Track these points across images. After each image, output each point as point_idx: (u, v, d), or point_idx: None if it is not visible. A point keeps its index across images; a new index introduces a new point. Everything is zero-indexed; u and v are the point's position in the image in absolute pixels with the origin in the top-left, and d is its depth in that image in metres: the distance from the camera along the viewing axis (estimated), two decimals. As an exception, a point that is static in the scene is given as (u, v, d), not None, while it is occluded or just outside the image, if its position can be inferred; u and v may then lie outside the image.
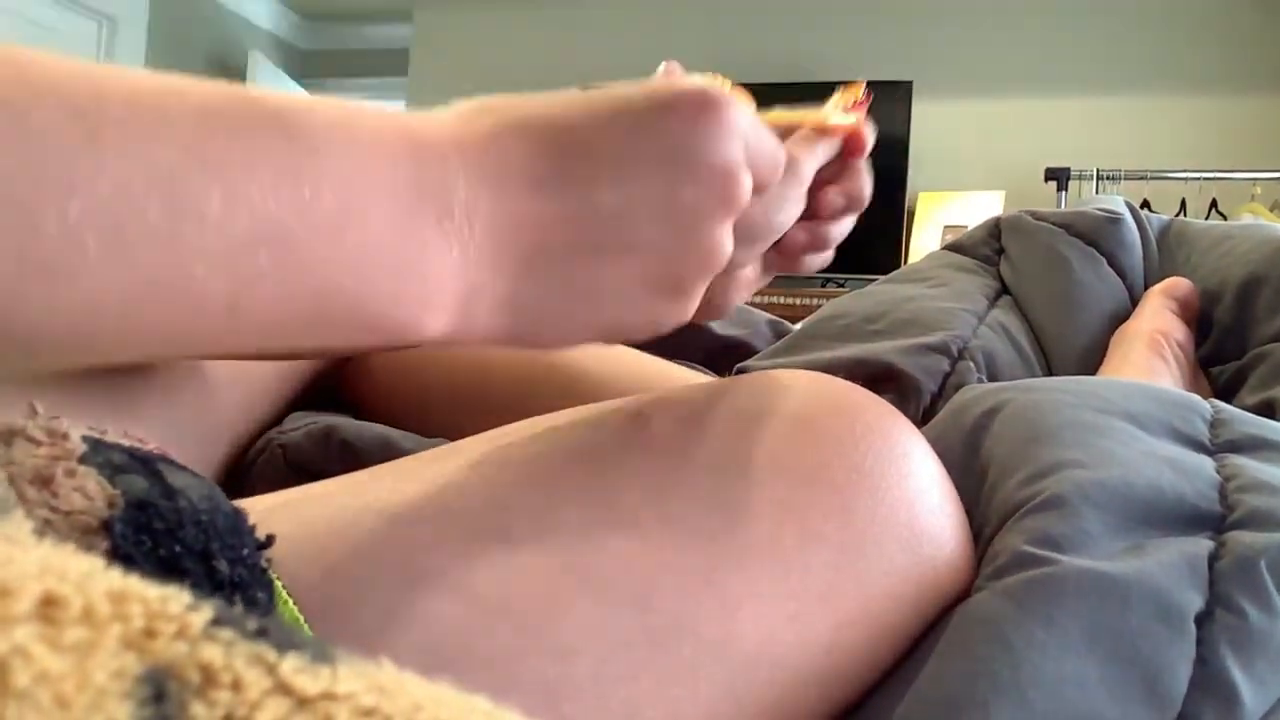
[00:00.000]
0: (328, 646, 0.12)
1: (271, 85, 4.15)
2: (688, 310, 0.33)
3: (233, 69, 4.25)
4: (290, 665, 0.11)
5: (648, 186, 0.30)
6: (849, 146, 0.43)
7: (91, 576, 0.12)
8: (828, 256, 0.45)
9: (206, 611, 0.12)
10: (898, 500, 0.35)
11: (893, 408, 0.38)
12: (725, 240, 0.32)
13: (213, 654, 0.11)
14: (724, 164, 0.30)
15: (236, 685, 0.11)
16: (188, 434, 0.48)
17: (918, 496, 0.36)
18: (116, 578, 0.12)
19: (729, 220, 0.32)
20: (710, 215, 0.31)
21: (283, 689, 0.11)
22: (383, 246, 0.24)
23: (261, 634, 0.12)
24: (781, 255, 0.43)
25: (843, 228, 0.43)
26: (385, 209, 0.24)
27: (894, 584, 0.34)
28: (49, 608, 0.11)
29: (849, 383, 0.38)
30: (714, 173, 0.30)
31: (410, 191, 0.25)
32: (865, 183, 0.43)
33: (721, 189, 0.31)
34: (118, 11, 3.72)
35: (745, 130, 0.32)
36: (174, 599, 0.12)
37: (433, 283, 0.25)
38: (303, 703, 0.11)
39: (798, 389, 0.37)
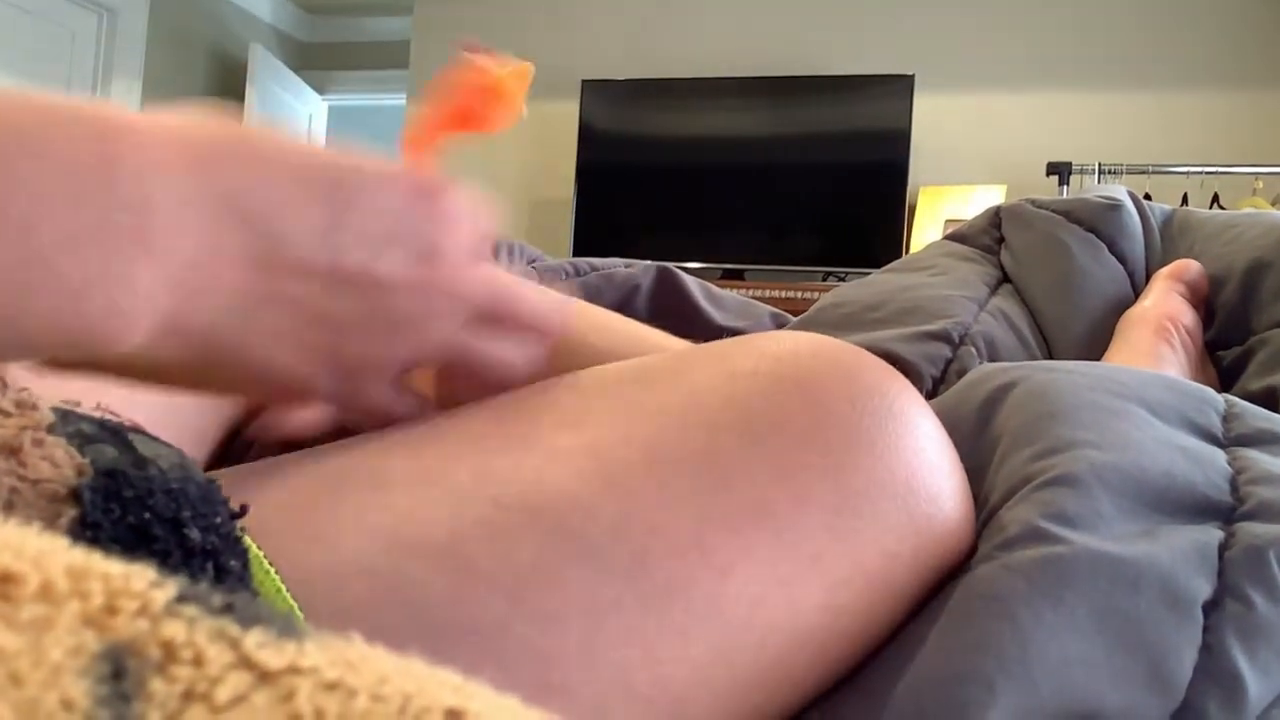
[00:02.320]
0: (295, 621, 0.11)
1: (272, 77, 4.14)
2: (374, 394, 0.33)
3: (233, 61, 4.25)
4: (254, 640, 0.11)
5: (358, 252, 0.30)
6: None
7: (51, 554, 0.11)
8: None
9: (170, 588, 0.11)
10: (894, 459, 0.34)
11: (891, 368, 0.38)
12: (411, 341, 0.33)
13: (175, 630, 0.11)
14: (437, 250, 0.32)
15: (198, 660, 0.10)
16: (180, 412, 0.47)
17: (915, 455, 0.35)
18: (78, 554, 0.12)
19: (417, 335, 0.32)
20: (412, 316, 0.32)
21: (245, 663, 0.11)
22: (56, 264, 0.23)
23: (227, 609, 0.11)
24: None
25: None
26: (59, 225, 0.23)
27: (890, 543, 0.33)
28: (4, 584, 0.11)
29: (847, 344, 0.38)
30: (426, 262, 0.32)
31: (97, 207, 0.24)
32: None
33: (431, 284, 0.32)
34: (118, 3, 3.71)
35: (469, 238, 0.33)
36: (137, 576, 0.11)
37: (121, 305, 0.25)
38: (265, 677, 0.10)
39: (795, 349, 0.37)
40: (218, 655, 0.10)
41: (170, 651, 0.10)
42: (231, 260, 0.27)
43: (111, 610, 0.11)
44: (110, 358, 0.26)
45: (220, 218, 0.27)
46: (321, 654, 0.11)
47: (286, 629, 0.11)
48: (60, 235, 0.23)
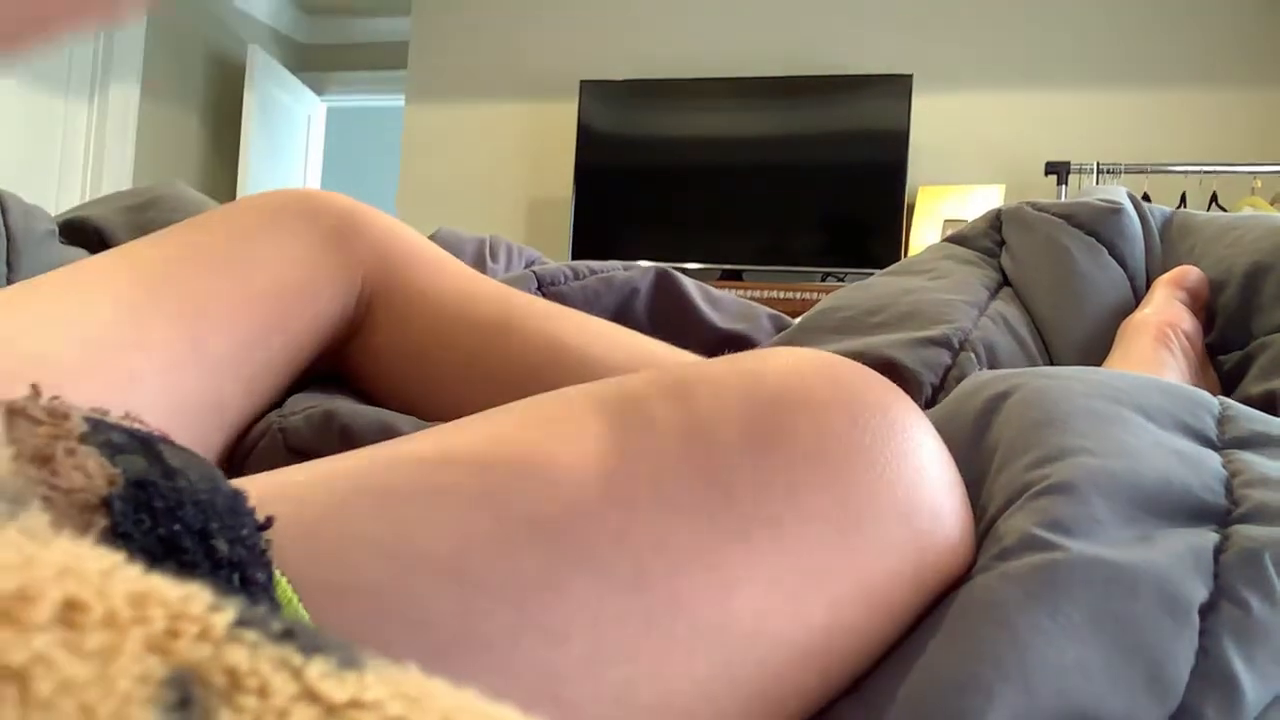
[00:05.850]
0: (355, 649, 0.12)
1: (270, 79, 4.13)
2: None
3: (232, 62, 4.24)
4: (317, 670, 0.11)
5: None
6: None
7: (111, 576, 0.12)
8: None
9: (229, 612, 0.11)
10: (896, 477, 0.35)
11: (893, 385, 0.38)
12: None
13: (238, 657, 0.11)
14: None
15: (263, 691, 0.11)
16: (186, 414, 0.47)
17: (917, 473, 0.35)
18: (137, 577, 0.12)
19: None
20: None
21: (310, 695, 0.11)
22: None
23: (287, 635, 0.11)
24: None
25: None
26: None
27: (892, 561, 0.34)
28: (70, 612, 0.11)
29: (850, 360, 0.38)
30: None
31: None
32: None
33: None
34: (115, 5, 3.69)
35: None
36: (195, 599, 0.12)
37: None
38: (331, 710, 0.10)
39: (798, 365, 0.37)
40: (283, 686, 0.11)
41: (235, 679, 0.11)
42: None
43: (173, 634, 0.11)
44: None
45: None
46: (383, 686, 0.11)
47: (346, 658, 0.11)
48: None
